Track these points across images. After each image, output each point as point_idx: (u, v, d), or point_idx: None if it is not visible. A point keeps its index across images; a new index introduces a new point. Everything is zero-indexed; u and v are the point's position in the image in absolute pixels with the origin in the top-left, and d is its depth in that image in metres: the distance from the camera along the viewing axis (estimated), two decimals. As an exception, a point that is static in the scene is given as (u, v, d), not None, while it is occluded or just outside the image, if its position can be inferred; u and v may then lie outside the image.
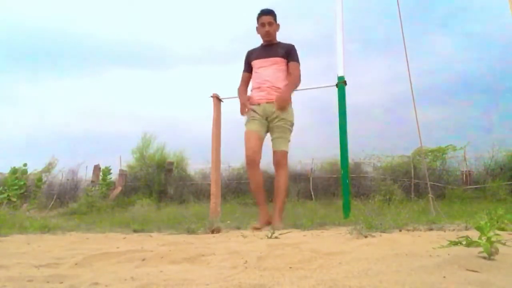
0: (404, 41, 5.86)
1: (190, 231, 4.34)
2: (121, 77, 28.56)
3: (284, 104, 3.70)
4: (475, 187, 10.76)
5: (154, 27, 29.01)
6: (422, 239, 2.85)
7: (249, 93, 4.21)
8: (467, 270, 1.54)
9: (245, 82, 4.14)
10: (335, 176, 11.72)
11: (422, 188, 10.62)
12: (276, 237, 3.36)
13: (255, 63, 3.98)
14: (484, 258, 1.69)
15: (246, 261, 2.09)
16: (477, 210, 5.67)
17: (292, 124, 3.91)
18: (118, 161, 14.16)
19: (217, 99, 6.33)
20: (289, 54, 3.89)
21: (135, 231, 4.88)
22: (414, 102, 5.87)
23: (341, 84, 5.88)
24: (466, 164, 11.65)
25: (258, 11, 3.84)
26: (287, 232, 3.80)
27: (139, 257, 2.42)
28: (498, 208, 4.06)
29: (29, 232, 4.88)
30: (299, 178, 12.33)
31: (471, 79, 22.68)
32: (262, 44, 4.05)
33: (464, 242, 1.97)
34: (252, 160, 3.95)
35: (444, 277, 1.45)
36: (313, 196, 11.56)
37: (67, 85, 27.30)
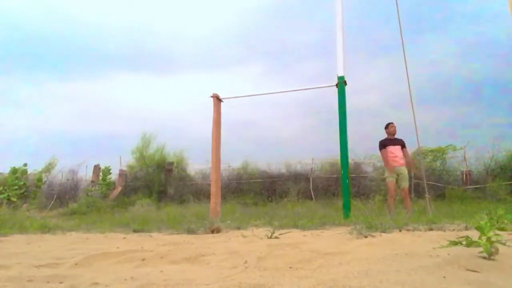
0: (402, 43, 5.90)
1: (190, 231, 4.34)
2: (122, 79, 28.63)
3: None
4: (475, 187, 10.76)
5: (155, 30, 29.08)
6: (422, 239, 2.86)
7: None
8: (467, 270, 1.54)
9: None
10: (335, 176, 11.71)
11: (422, 188, 10.57)
12: (276, 237, 3.36)
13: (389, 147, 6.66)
14: (484, 258, 1.69)
15: (246, 261, 2.09)
16: (477, 210, 5.67)
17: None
18: (118, 161, 14.16)
19: (217, 99, 6.33)
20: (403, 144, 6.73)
21: (135, 231, 4.88)
22: (412, 103, 5.91)
23: (341, 83, 5.89)
24: (466, 164, 11.63)
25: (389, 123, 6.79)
26: (287, 232, 3.80)
27: (139, 257, 2.42)
28: (498, 208, 4.06)
29: (29, 232, 4.88)
30: (299, 178, 12.33)
31: (470, 80, 22.71)
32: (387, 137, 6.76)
33: (464, 242, 1.97)
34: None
35: (444, 277, 1.45)
36: (313, 196, 11.54)
37: (68, 87, 27.36)
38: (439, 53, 23.24)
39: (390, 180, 6.50)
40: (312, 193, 11.77)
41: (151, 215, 7.49)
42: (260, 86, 28.06)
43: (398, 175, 6.47)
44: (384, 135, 6.71)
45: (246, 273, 1.78)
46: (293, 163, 12.97)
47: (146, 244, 3.20)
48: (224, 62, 29.42)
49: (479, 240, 1.82)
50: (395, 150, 6.54)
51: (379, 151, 6.76)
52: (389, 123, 6.71)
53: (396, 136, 6.65)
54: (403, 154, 6.61)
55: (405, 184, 6.47)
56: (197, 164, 13.54)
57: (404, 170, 6.49)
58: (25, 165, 14.00)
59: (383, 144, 6.63)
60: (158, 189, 12.73)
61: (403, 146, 6.62)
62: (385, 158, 6.61)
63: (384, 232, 3.40)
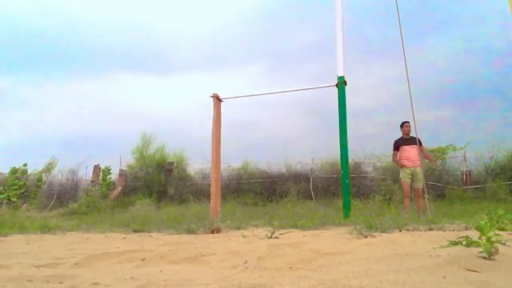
0: (402, 44, 5.89)
1: (190, 231, 4.34)
2: (122, 79, 28.62)
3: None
4: (475, 187, 10.75)
5: (155, 29, 29.07)
6: (422, 239, 2.86)
7: None
8: (467, 270, 1.55)
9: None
10: (335, 176, 11.70)
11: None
12: (276, 237, 3.36)
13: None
14: (484, 258, 1.69)
15: (246, 261, 2.09)
16: (477, 210, 5.67)
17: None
18: (118, 161, 14.15)
19: (217, 99, 6.33)
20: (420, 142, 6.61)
21: (135, 231, 4.88)
22: (411, 103, 5.89)
23: (341, 84, 5.88)
24: (466, 164, 11.62)
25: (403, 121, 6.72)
26: (287, 232, 3.80)
27: (139, 257, 2.42)
28: (498, 208, 4.06)
29: (29, 232, 4.88)
30: (299, 178, 12.31)
31: (470, 81, 22.72)
32: (402, 137, 6.75)
33: (464, 242, 1.97)
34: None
35: (444, 277, 1.45)
36: (313, 196, 11.53)
37: (68, 86, 27.37)
38: (439, 53, 23.25)
39: (405, 180, 6.50)
40: (312, 193, 11.77)
41: (151, 215, 7.49)
42: (260, 86, 28.08)
43: (412, 175, 6.48)
44: (399, 134, 6.77)
45: (246, 273, 1.78)
46: (293, 163, 12.95)
47: (146, 244, 3.20)
48: (224, 62, 29.41)
49: (479, 240, 1.82)
50: (410, 150, 6.52)
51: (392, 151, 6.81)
52: (404, 122, 6.67)
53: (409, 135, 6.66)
54: (421, 150, 6.56)
55: (419, 184, 6.46)
56: (197, 164, 13.54)
57: (419, 171, 6.47)
58: (25, 165, 13.99)
59: (397, 145, 6.65)
60: (158, 189, 12.72)
61: (419, 144, 6.53)
62: (396, 160, 6.68)
63: (384, 232, 3.40)
